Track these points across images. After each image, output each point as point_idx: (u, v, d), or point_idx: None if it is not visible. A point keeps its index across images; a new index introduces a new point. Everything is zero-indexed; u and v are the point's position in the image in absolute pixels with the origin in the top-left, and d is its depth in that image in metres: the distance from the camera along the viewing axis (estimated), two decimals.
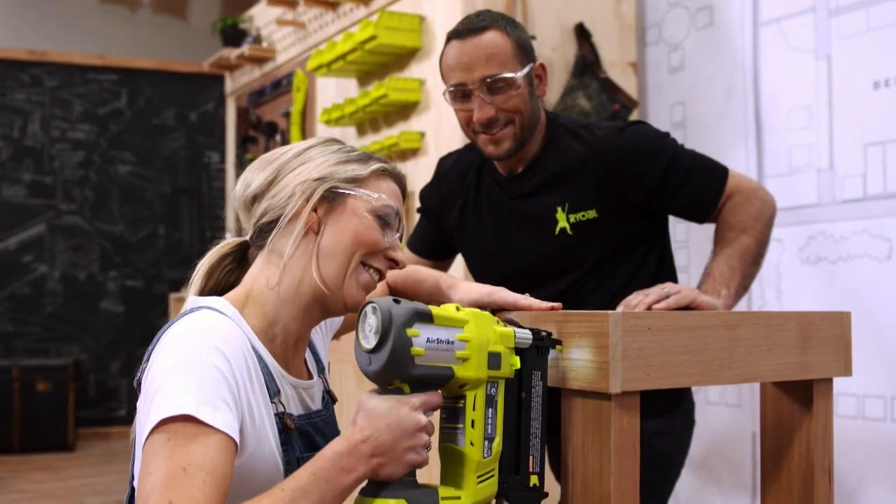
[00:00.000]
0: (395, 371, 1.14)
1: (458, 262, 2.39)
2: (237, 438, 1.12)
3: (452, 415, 1.22)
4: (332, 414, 1.40)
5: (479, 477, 1.20)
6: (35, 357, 6.09)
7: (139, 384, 1.21)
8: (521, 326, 1.28)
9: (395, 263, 1.35)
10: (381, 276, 1.35)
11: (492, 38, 1.83)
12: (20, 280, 6.25)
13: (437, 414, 1.23)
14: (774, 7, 3.17)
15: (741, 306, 3.08)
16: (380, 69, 3.79)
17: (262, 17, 5.20)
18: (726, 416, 3.29)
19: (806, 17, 3.06)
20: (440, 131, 3.39)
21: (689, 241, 3.40)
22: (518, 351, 1.25)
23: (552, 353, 1.29)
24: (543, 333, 1.27)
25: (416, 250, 2.16)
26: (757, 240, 1.85)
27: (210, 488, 1.04)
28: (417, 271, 1.62)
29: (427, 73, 3.48)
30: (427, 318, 1.16)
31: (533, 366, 1.26)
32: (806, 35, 3.06)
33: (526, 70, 1.85)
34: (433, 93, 3.42)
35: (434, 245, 2.15)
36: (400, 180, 1.38)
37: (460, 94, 1.87)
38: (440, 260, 2.17)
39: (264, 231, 1.31)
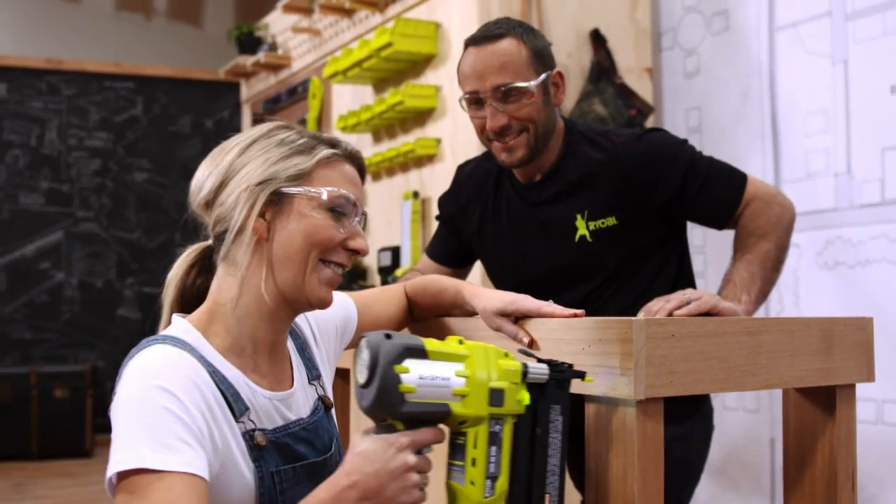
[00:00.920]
0: (385, 408, 1.11)
1: (476, 269, 2.40)
2: (203, 473, 1.10)
3: (454, 451, 1.18)
4: (322, 420, 1.35)
5: None
6: (53, 364, 6.12)
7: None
8: (539, 360, 1.23)
9: (355, 252, 1.30)
10: (344, 267, 1.30)
11: (507, 46, 1.84)
12: (38, 287, 6.29)
13: (445, 447, 1.19)
14: (790, 11, 3.16)
15: (759, 312, 3.07)
16: (396, 76, 3.80)
17: (277, 25, 5.23)
18: (744, 421, 3.28)
19: (822, 22, 3.06)
20: (456, 137, 3.40)
21: (706, 246, 3.39)
22: (533, 385, 1.20)
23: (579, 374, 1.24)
24: (564, 366, 1.23)
25: (436, 258, 2.17)
26: (777, 245, 1.85)
27: None
28: (438, 280, 1.61)
29: (443, 80, 3.49)
30: (419, 353, 1.13)
31: (552, 400, 1.21)
32: (822, 39, 3.05)
33: (541, 79, 1.85)
34: (449, 99, 3.43)
35: (453, 253, 2.15)
36: (355, 159, 1.32)
37: (474, 102, 1.88)
38: (459, 267, 2.17)
39: (219, 239, 1.27)
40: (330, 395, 1.42)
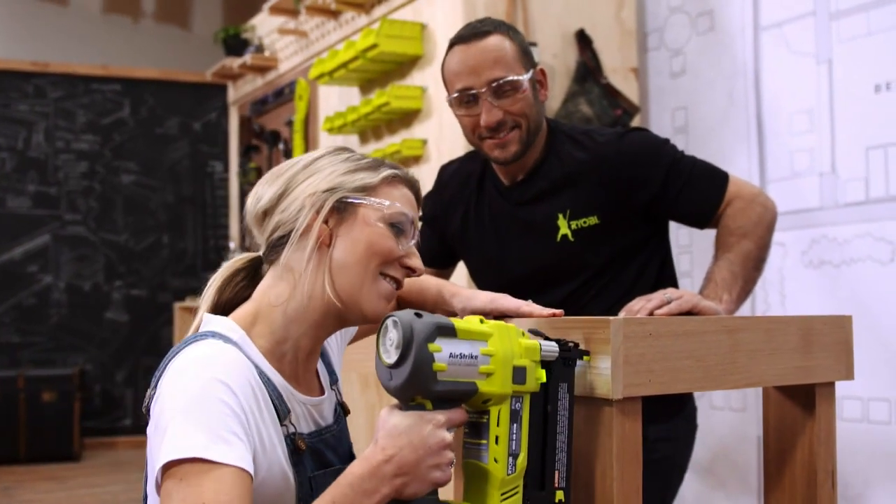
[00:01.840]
0: (417, 387, 1.11)
1: (459, 270, 2.39)
2: (251, 469, 1.11)
3: (476, 430, 1.18)
4: (344, 427, 1.37)
5: (502, 494, 1.17)
6: (40, 367, 6.10)
7: (148, 410, 1.20)
8: (547, 338, 1.24)
9: (411, 271, 1.32)
10: (399, 284, 1.32)
11: (496, 42, 1.85)
12: (25, 290, 6.27)
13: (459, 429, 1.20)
14: (775, 11, 3.17)
15: (745, 310, 3.08)
16: (382, 77, 3.80)
17: (263, 27, 5.22)
18: (731, 420, 3.28)
19: (806, 21, 3.06)
20: (442, 138, 3.40)
21: (693, 246, 3.40)
22: (544, 363, 1.21)
23: (579, 364, 1.26)
24: (571, 344, 1.24)
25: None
26: (758, 245, 1.85)
27: None
28: (421, 280, 1.61)
29: (429, 81, 3.49)
30: (450, 332, 1.13)
31: (560, 378, 1.22)
32: (807, 39, 3.06)
33: (530, 74, 1.86)
34: (435, 100, 3.43)
35: (436, 253, 2.15)
36: (413, 186, 1.34)
37: (466, 100, 1.87)
38: (443, 268, 2.17)
39: (276, 246, 1.28)
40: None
